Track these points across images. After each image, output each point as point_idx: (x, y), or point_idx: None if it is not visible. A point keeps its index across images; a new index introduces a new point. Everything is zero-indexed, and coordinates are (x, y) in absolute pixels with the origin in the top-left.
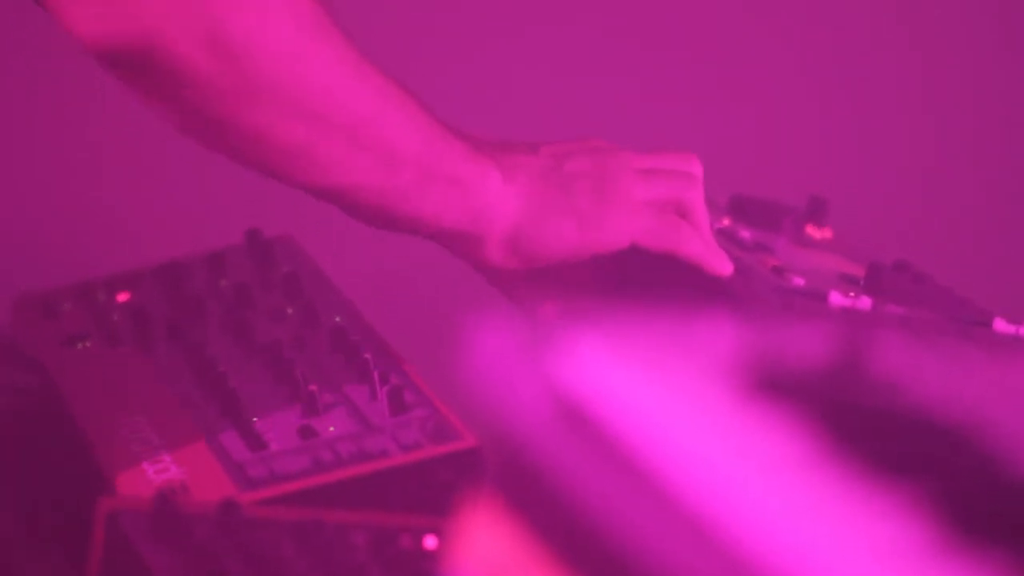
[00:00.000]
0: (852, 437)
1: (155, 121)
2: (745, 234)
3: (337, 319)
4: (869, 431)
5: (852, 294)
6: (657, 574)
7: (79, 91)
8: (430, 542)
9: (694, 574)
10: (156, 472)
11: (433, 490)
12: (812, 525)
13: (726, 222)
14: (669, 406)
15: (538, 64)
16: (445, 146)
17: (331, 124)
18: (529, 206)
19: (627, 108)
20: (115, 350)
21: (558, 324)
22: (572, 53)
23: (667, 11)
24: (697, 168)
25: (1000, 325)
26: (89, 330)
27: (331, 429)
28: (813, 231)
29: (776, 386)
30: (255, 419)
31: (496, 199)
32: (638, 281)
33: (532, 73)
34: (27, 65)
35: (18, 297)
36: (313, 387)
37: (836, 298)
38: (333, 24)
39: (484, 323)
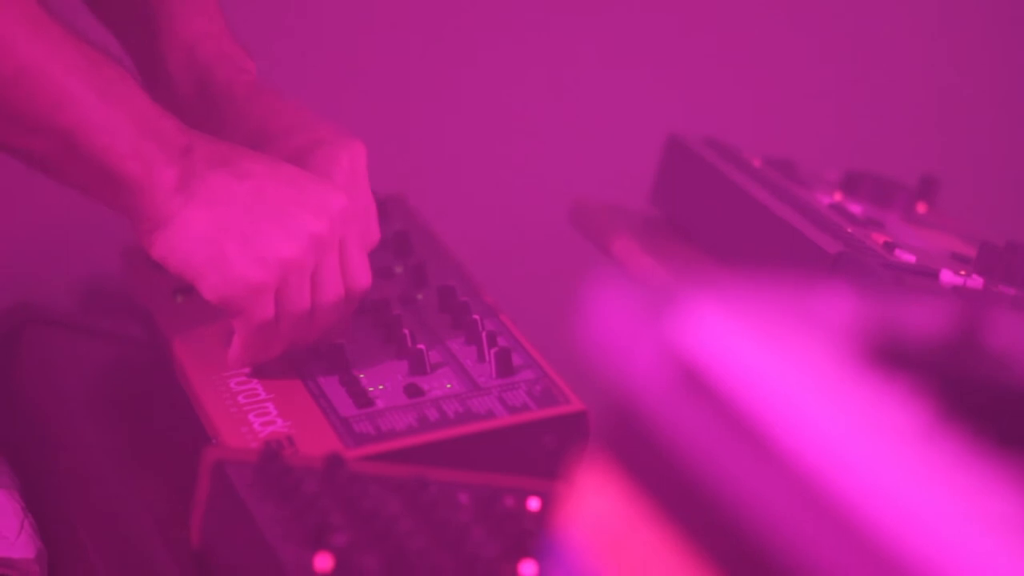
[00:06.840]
0: (965, 410)
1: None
2: (856, 209)
3: (446, 279)
4: (982, 405)
5: (963, 273)
6: (770, 539)
7: None
8: (534, 504)
9: (807, 539)
10: (262, 424)
11: (538, 453)
12: (926, 495)
13: (838, 197)
14: (785, 373)
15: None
16: (116, 136)
17: None
18: (187, 228)
19: (740, 84)
20: None
21: (676, 290)
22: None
23: None
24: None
25: None
26: None
27: (448, 386)
28: (924, 210)
29: (891, 358)
30: (362, 376)
31: (161, 203)
32: (751, 253)
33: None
34: None
35: (128, 248)
36: (421, 346)
37: (947, 276)
38: None
39: (599, 288)
